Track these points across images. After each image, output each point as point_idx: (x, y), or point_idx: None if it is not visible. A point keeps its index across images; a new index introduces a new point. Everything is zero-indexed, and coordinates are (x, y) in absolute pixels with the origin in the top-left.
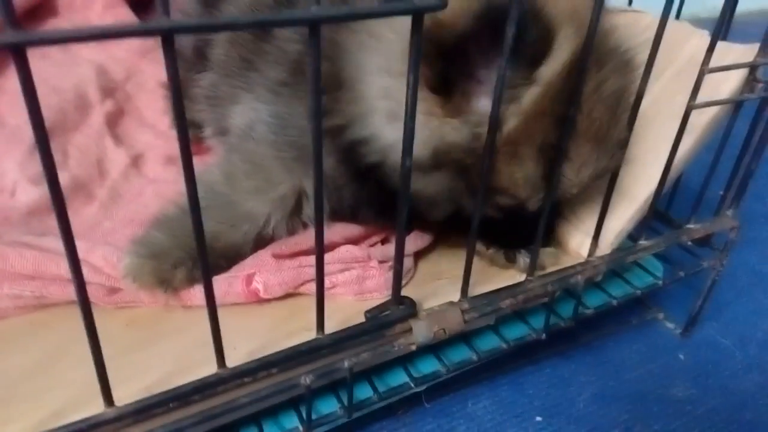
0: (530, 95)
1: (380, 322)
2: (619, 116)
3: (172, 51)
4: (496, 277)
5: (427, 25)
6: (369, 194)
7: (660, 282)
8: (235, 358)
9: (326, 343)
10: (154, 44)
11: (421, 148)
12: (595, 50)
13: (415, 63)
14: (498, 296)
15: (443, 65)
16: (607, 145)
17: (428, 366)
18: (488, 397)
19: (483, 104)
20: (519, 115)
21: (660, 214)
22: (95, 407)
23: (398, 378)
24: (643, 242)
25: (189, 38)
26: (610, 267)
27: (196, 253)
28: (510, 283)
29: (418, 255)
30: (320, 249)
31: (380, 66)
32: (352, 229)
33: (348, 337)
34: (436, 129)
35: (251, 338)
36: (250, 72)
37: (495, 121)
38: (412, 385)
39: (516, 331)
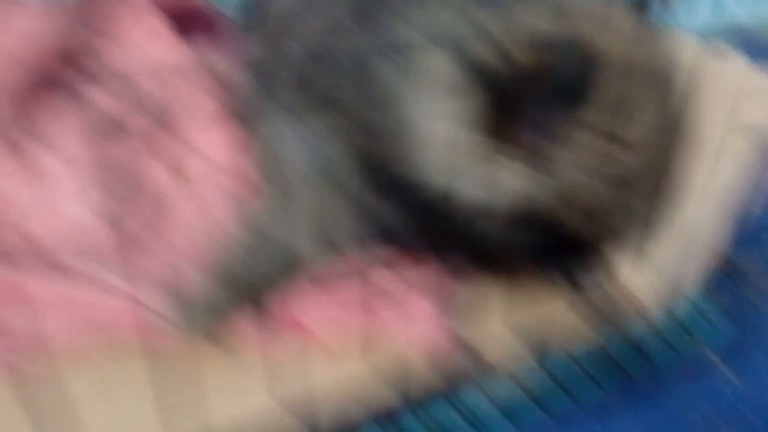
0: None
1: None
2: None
3: None
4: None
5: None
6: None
7: (726, 336)
8: None
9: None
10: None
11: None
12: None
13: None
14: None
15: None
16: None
17: None
18: None
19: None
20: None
21: (726, 259)
22: None
23: None
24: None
25: None
26: (671, 316)
27: (246, 301)
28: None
29: None
30: None
31: (427, 105)
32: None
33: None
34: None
35: None
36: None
37: None
38: None
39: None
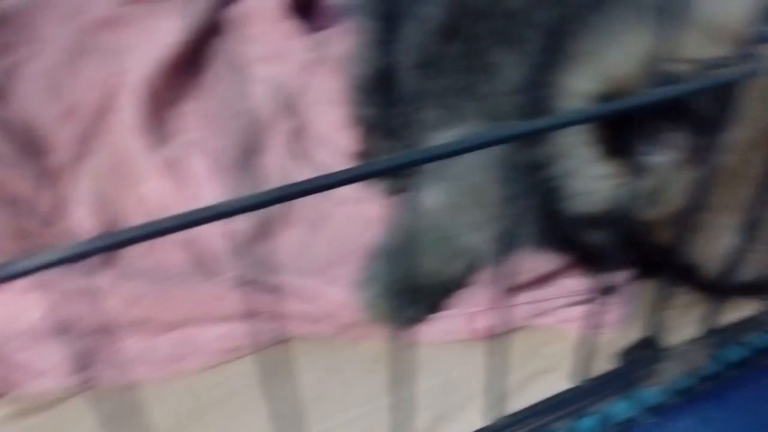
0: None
1: (636, 366)
2: None
3: None
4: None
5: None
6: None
7: None
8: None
9: (586, 391)
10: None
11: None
12: None
13: None
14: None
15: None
16: None
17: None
18: None
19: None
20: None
21: None
22: None
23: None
24: None
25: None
26: None
27: (422, 290)
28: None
29: None
30: None
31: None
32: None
33: (605, 384)
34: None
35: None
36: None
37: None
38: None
39: None
